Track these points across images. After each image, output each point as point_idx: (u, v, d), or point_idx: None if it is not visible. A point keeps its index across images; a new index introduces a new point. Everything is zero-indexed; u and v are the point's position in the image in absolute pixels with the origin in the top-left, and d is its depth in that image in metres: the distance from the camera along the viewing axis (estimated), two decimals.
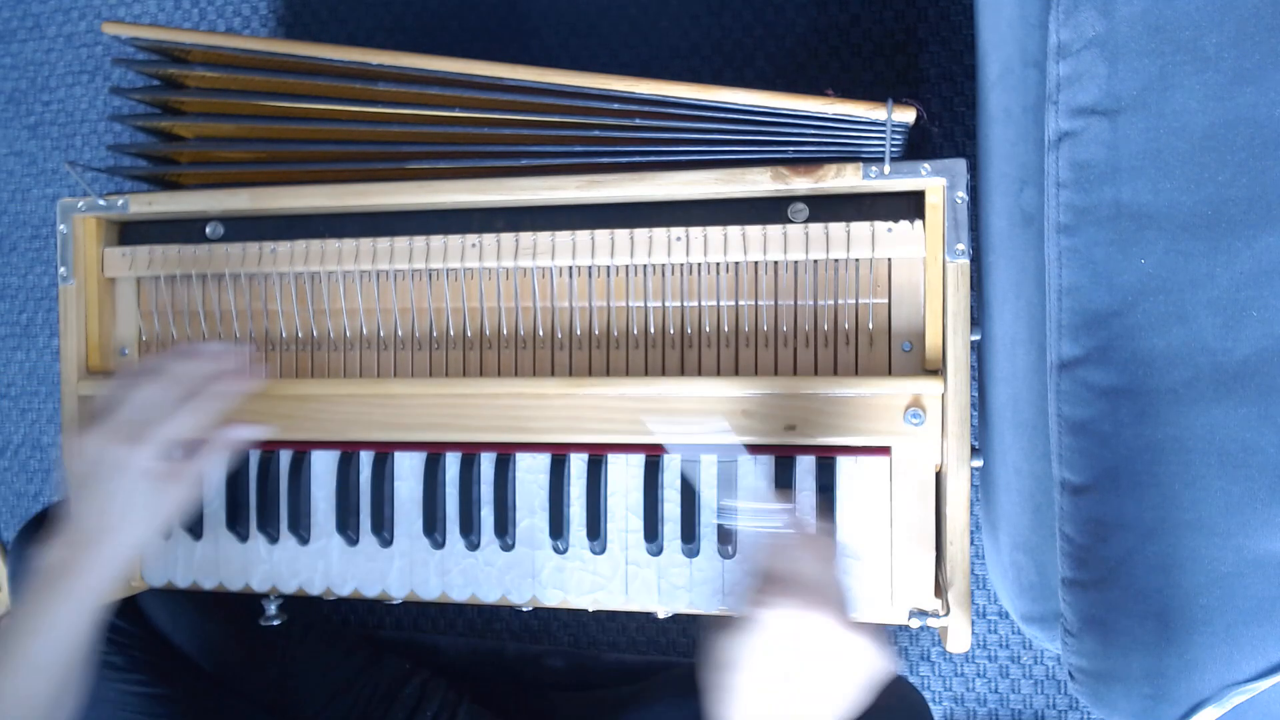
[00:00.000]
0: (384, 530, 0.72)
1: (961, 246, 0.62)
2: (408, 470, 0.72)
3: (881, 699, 0.78)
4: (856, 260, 0.65)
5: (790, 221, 0.66)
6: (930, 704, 0.83)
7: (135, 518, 0.61)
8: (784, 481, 0.65)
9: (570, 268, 0.69)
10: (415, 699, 0.84)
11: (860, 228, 0.64)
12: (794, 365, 0.67)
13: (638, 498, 0.68)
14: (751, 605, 0.50)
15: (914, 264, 0.65)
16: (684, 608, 0.68)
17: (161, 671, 0.76)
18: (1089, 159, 0.48)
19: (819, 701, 0.49)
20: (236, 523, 0.74)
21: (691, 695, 0.82)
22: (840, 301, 0.66)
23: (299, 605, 0.81)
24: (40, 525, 0.82)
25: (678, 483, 0.67)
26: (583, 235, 0.68)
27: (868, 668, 0.51)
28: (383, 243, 0.71)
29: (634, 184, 0.66)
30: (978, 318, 0.71)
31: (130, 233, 0.77)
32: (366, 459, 0.72)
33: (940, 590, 0.64)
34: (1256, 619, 0.48)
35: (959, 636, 0.63)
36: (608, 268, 0.69)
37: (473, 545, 0.71)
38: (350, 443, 0.72)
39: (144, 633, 0.78)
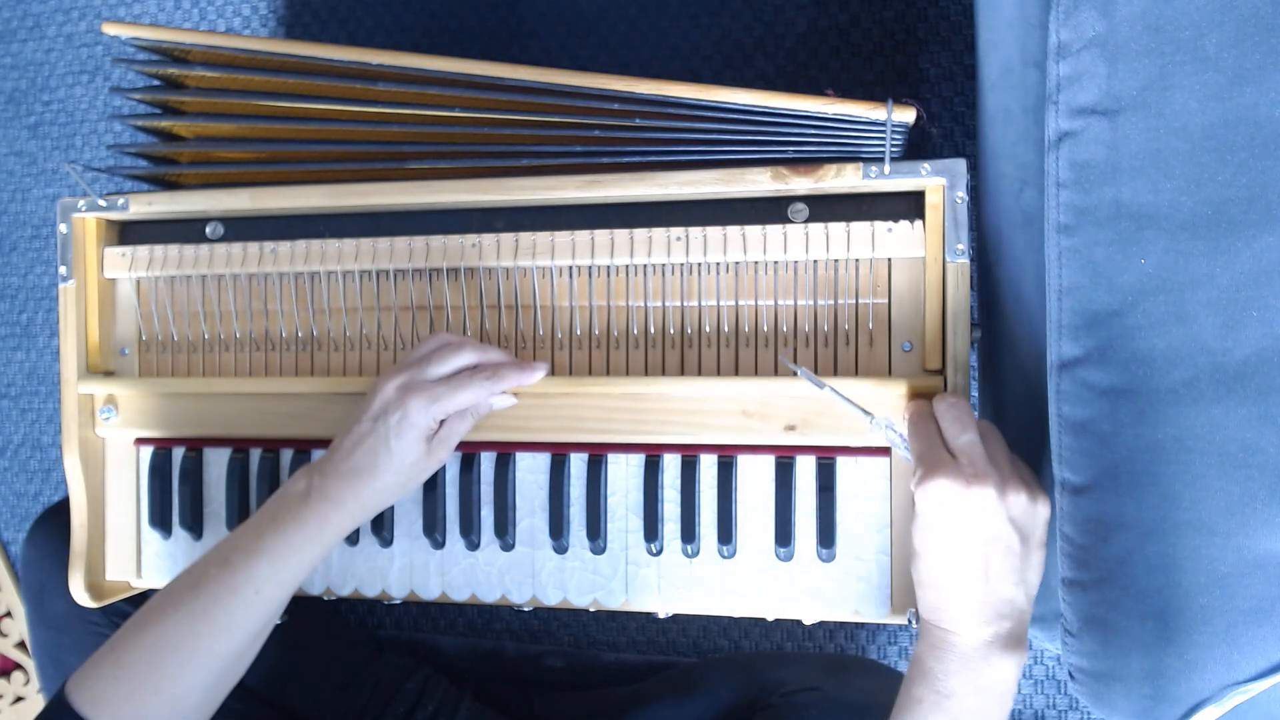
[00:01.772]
0: (384, 530, 0.72)
1: (961, 246, 0.62)
2: None
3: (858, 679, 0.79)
4: (856, 260, 0.65)
5: (790, 221, 0.66)
6: None
7: (401, 469, 0.62)
8: (784, 482, 0.65)
9: (570, 268, 0.69)
10: (416, 695, 0.84)
11: (860, 228, 0.64)
12: None
13: (638, 498, 0.68)
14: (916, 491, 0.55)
15: (914, 264, 0.65)
16: (684, 608, 0.68)
17: None
18: (1089, 159, 0.48)
19: (1005, 574, 0.54)
20: (237, 523, 0.74)
21: (691, 694, 0.82)
22: (840, 301, 0.66)
23: (300, 602, 0.81)
24: (51, 520, 0.82)
25: (678, 482, 0.67)
26: (583, 235, 0.68)
27: (1038, 520, 0.55)
28: (383, 243, 0.71)
29: (634, 184, 0.66)
30: (978, 318, 0.71)
31: (130, 233, 0.77)
32: None
33: None
34: (1256, 619, 0.48)
35: None
36: (608, 268, 0.69)
37: (473, 545, 0.71)
38: None
39: None
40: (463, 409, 0.64)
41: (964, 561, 0.54)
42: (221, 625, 0.58)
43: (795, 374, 0.62)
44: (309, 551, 0.61)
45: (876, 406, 0.62)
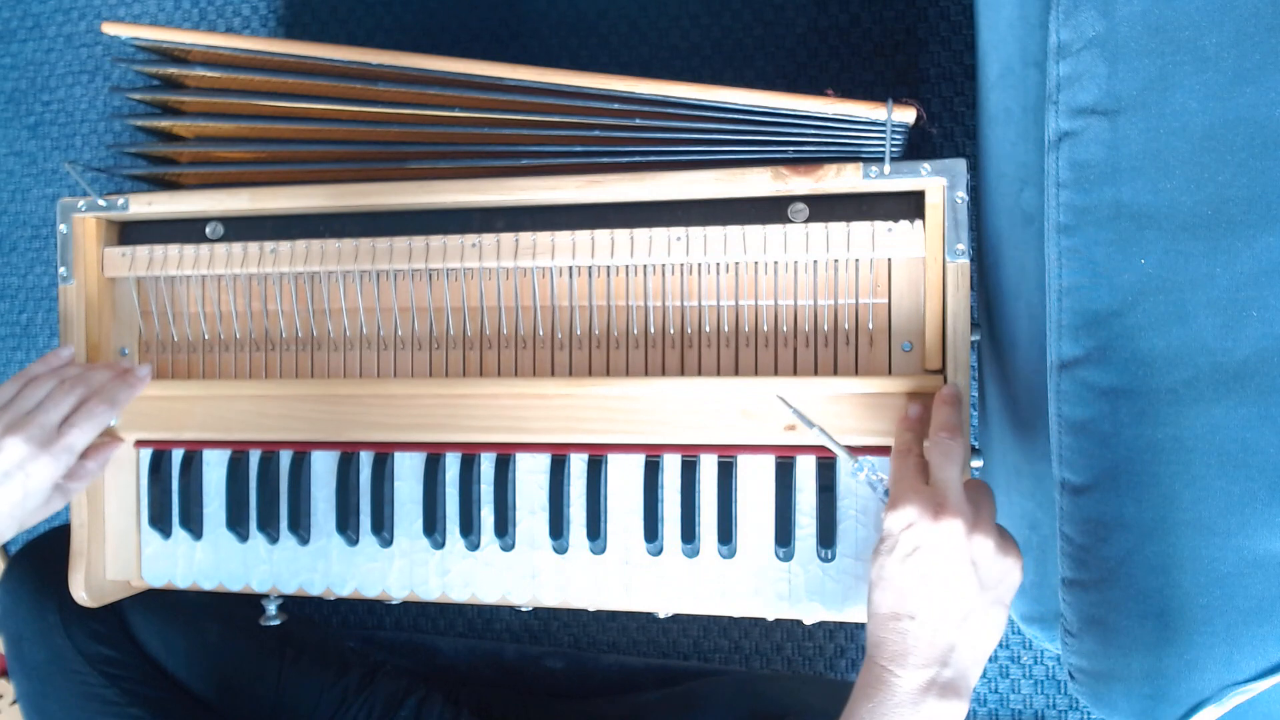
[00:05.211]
0: (384, 530, 0.72)
1: (961, 246, 0.62)
2: (408, 470, 0.72)
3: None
4: (856, 260, 0.65)
5: (790, 221, 0.66)
6: None
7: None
8: (784, 482, 0.65)
9: (570, 268, 0.69)
10: (411, 718, 0.84)
11: (860, 228, 0.64)
12: (794, 365, 0.67)
13: (638, 498, 0.68)
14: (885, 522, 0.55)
15: (914, 264, 0.65)
16: (684, 608, 0.68)
17: (157, 702, 0.76)
18: (1089, 159, 0.48)
19: (962, 617, 0.53)
20: (237, 523, 0.74)
21: (689, 715, 0.82)
22: (840, 301, 0.66)
23: (296, 622, 0.81)
24: (24, 564, 0.80)
25: (678, 483, 0.67)
26: (583, 235, 0.68)
27: (1002, 574, 0.54)
28: (383, 243, 0.71)
29: (634, 184, 0.66)
30: (978, 318, 0.71)
31: (130, 233, 0.77)
32: (366, 459, 0.72)
33: None
34: (1256, 619, 0.48)
35: None
36: (608, 268, 0.69)
37: (473, 545, 0.71)
38: (350, 443, 0.72)
39: (137, 661, 0.77)
40: (55, 426, 0.64)
41: (915, 593, 0.53)
42: None
43: (791, 412, 0.62)
44: None
45: (877, 407, 0.62)
